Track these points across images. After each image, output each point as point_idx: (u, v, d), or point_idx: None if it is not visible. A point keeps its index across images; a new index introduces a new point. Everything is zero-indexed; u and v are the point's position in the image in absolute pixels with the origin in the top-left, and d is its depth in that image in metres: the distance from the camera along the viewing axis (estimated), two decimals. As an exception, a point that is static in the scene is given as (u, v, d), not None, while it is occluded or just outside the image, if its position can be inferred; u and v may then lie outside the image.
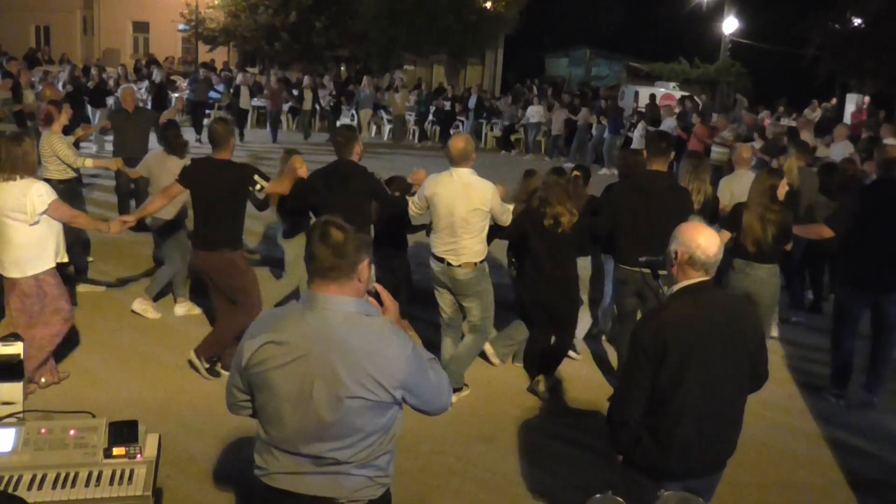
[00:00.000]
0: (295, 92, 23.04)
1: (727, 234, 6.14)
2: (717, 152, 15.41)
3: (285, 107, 22.62)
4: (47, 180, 7.06)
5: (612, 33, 38.42)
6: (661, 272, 4.52)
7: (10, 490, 3.20)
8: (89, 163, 8.41)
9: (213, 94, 21.95)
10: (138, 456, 3.44)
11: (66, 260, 5.76)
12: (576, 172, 6.91)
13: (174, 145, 7.62)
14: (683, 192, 6.13)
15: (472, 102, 22.81)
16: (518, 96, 24.58)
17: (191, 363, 6.18)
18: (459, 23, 28.48)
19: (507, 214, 5.96)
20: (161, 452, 3.59)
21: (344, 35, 30.14)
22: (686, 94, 24.23)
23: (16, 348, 3.63)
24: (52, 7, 35.88)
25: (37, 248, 5.44)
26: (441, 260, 5.88)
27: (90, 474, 3.35)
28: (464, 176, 5.76)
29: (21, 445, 3.39)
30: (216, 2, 30.79)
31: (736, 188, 7.46)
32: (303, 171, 6.13)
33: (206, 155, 6.15)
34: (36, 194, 5.33)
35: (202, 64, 25.10)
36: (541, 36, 37.81)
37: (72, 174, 8.20)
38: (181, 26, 32.39)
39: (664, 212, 5.68)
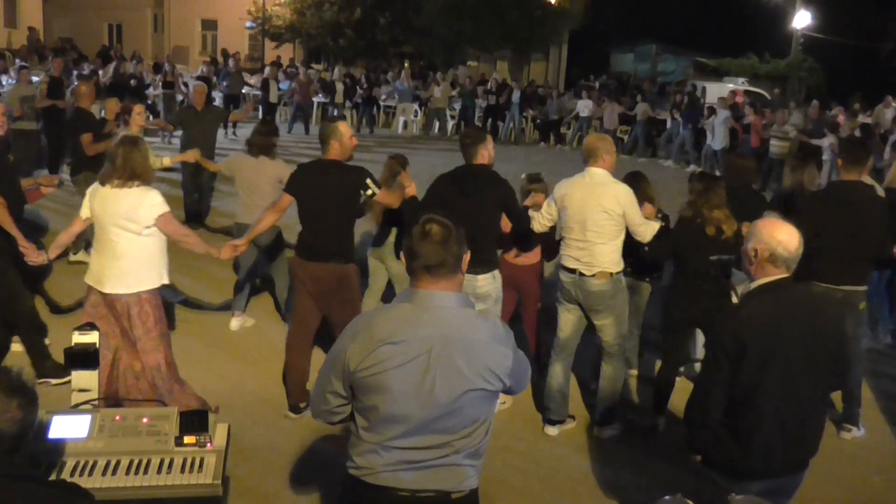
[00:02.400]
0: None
1: None
2: (776, 146, 15.52)
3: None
4: None
5: (680, 28, 37.77)
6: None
7: (85, 474, 3.29)
8: (167, 161, 7.77)
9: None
10: (208, 445, 3.50)
11: (168, 282, 5.18)
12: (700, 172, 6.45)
13: (262, 145, 7.03)
14: (883, 204, 5.61)
15: (515, 97, 22.67)
16: (581, 92, 24.35)
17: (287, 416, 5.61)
18: (524, 18, 28.37)
19: (645, 227, 5.34)
20: (230, 442, 3.64)
21: (408, 31, 30.30)
22: (755, 89, 23.72)
23: (92, 337, 3.73)
24: (125, 5, 36.92)
25: (144, 264, 4.92)
26: (572, 271, 5.36)
27: (162, 461, 3.43)
28: (597, 176, 5.29)
29: (96, 432, 3.48)
30: (282, -1, 31.30)
31: None
32: (412, 190, 5.66)
33: (317, 157, 5.56)
34: (149, 204, 4.83)
35: (230, 56, 24.56)
36: (606, 31, 37.44)
37: None
38: (248, 24, 33.01)
39: (866, 225, 5.34)
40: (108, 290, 4.87)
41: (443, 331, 2.60)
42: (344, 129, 5.44)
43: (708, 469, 3.39)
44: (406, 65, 32.67)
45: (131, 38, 36.32)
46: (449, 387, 2.59)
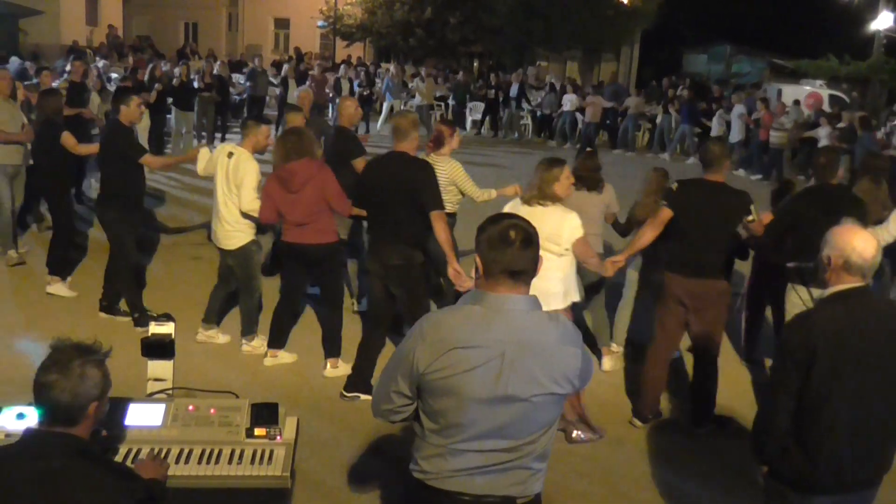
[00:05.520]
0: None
1: None
2: (775, 136, 17.15)
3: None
4: None
5: (755, 28, 36.85)
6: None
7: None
8: (493, 193, 6.80)
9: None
10: (278, 437, 3.55)
11: (579, 299, 5.35)
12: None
13: (593, 180, 6.47)
14: None
15: (513, 91, 22.53)
16: (651, 94, 23.96)
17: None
18: (595, 18, 28.09)
19: None
20: (298, 435, 3.69)
21: (478, 31, 30.29)
22: (834, 92, 23.06)
23: (168, 328, 3.81)
24: (200, 4, 37.84)
25: (560, 282, 5.13)
26: None
27: (233, 452, 3.49)
28: None
29: (170, 420, 3.57)
30: (354, -1, 31.65)
31: None
32: (767, 217, 5.74)
33: (699, 176, 5.56)
34: (570, 226, 5.02)
35: (254, 56, 23.27)
36: (679, 31, 36.74)
37: (456, 207, 7.01)
38: (320, 23, 33.44)
39: None
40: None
41: (515, 335, 2.56)
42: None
43: (774, 481, 3.31)
44: (475, 64, 32.72)
45: (206, 36, 37.21)
46: (522, 391, 2.55)
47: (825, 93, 23.23)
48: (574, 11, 27.74)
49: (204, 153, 6.77)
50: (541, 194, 5.09)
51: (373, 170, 5.81)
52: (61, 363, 2.48)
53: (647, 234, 5.57)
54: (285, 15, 37.57)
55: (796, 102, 19.55)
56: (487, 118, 23.16)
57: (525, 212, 4.99)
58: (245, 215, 6.29)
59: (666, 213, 5.46)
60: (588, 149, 7.13)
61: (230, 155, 6.31)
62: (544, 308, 4.91)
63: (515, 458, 2.63)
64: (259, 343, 6.59)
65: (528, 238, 2.60)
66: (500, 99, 22.86)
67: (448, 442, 2.63)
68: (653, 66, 34.79)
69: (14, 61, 18.75)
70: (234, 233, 6.35)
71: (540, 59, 31.92)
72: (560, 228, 5.01)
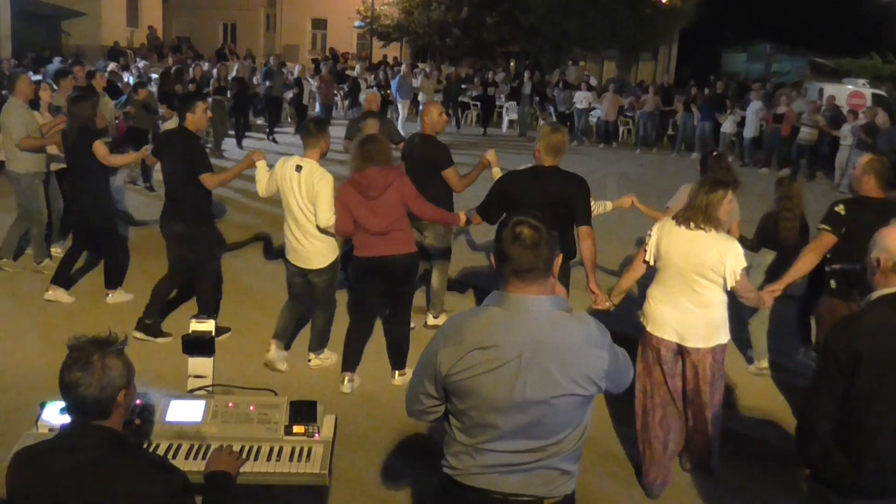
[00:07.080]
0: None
1: None
2: (805, 132, 17.20)
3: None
4: None
5: (796, 27, 36.32)
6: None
7: (199, 457, 3.41)
8: (609, 205, 6.33)
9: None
10: (316, 435, 3.57)
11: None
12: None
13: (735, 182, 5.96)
14: None
15: (526, 89, 22.48)
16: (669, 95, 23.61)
17: None
18: (633, 17, 27.91)
19: None
20: (336, 433, 3.71)
21: (515, 30, 30.26)
22: (877, 91, 22.63)
23: (208, 325, 3.85)
24: (239, 5, 38.23)
25: (725, 315, 4.69)
26: None
27: (272, 449, 3.51)
28: None
29: (210, 417, 3.59)
30: (391, -1, 31.78)
31: None
32: None
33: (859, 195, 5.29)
34: (735, 255, 4.50)
35: (275, 55, 22.84)
36: (718, 29, 36.33)
37: None
38: (357, 23, 33.65)
39: None
40: (689, 343, 4.65)
41: (534, 336, 2.55)
42: None
43: (818, 484, 3.26)
44: (512, 64, 32.64)
45: (245, 37, 37.62)
46: (540, 392, 2.54)
47: (868, 92, 22.78)
48: (612, 10, 27.60)
49: (262, 169, 6.20)
50: (705, 218, 4.52)
51: (518, 182, 5.54)
52: (82, 360, 2.51)
53: (808, 263, 5.32)
54: (322, 15, 37.85)
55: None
56: (474, 116, 23.53)
57: (684, 235, 4.57)
58: (322, 230, 5.91)
59: (830, 240, 5.21)
60: (713, 151, 6.76)
61: (298, 168, 5.84)
62: (711, 343, 4.64)
63: (541, 458, 2.63)
64: (327, 356, 6.42)
65: (537, 237, 2.57)
66: (491, 97, 23.09)
67: (474, 441, 2.64)
68: (691, 65, 34.44)
69: (56, 61, 19.09)
70: (326, 248, 6.01)
71: (578, 58, 31.79)
72: (725, 258, 4.47)
